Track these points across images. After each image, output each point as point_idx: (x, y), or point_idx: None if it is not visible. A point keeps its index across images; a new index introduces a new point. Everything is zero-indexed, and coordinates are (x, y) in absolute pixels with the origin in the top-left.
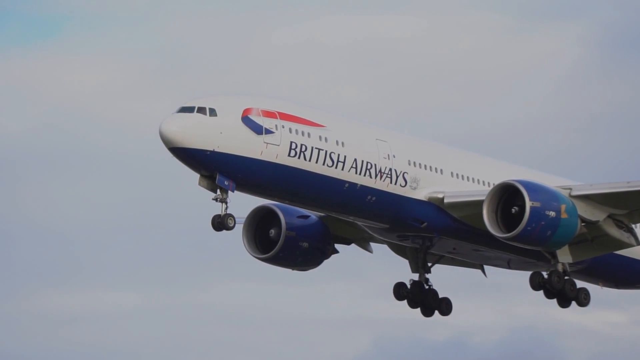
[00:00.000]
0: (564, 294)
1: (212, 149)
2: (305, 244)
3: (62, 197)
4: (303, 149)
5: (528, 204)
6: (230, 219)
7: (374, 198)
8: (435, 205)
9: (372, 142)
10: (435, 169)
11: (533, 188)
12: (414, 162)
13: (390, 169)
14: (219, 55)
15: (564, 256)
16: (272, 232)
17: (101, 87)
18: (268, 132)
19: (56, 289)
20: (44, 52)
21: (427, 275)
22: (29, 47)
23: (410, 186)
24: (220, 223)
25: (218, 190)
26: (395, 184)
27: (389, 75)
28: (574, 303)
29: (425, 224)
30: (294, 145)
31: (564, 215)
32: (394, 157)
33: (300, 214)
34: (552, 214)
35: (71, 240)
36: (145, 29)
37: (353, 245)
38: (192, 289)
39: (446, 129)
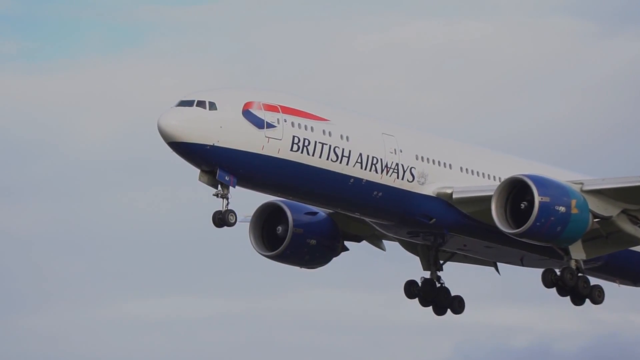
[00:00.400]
0: (577, 291)
1: (212, 144)
2: (313, 241)
3: (143, 204)
4: (306, 143)
5: (537, 199)
6: (232, 215)
7: (380, 194)
8: (444, 201)
9: (378, 137)
10: (444, 163)
11: (542, 182)
12: (422, 157)
13: (397, 164)
14: (301, 61)
15: (577, 253)
16: (280, 229)
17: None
18: (270, 126)
19: (137, 294)
20: (127, 59)
21: (439, 273)
22: (113, 55)
23: (418, 181)
24: (221, 219)
25: (219, 186)
26: (403, 179)
27: (471, 79)
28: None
29: (433, 220)
30: (296, 140)
31: (574, 211)
32: (401, 151)
33: (308, 211)
34: (562, 209)
35: (152, 246)
36: (227, 36)
37: (364, 242)
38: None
39: (523, 132)
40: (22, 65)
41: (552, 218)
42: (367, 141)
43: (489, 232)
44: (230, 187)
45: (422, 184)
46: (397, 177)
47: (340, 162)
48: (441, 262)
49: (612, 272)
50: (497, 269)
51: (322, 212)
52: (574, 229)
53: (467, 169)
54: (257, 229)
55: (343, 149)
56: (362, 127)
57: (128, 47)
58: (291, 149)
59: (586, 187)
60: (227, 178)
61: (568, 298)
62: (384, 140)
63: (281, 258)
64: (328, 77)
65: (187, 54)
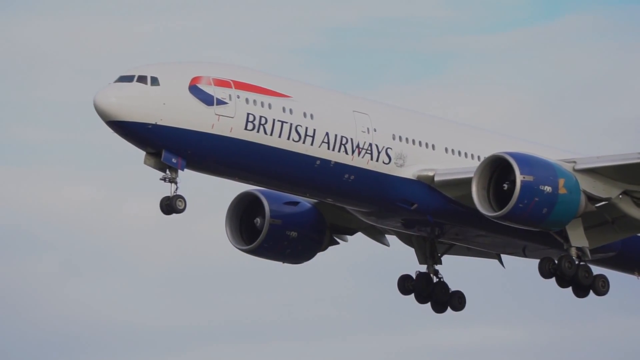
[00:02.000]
0: (578, 281)
1: (154, 122)
2: (294, 234)
3: None
4: (263, 121)
5: (519, 177)
6: (180, 201)
7: (352, 177)
8: (425, 185)
9: (348, 115)
10: (426, 144)
11: (525, 160)
12: (400, 137)
13: (371, 144)
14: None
15: (578, 239)
16: (258, 221)
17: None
18: (220, 102)
19: None
20: (427, 89)
21: (437, 267)
22: (416, 84)
23: (395, 163)
24: (169, 206)
25: (167, 170)
26: (377, 160)
27: None
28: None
29: (415, 205)
30: (251, 118)
31: (562, 191)
32: (375, 131)
33: (289, 201)
34: (548, 189)
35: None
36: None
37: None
38: None
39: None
40: None
41: (537, 199)
42: (335, 119)
43: (478, 218)
44: (179, 171)
45: (401, 166)
46: (371, 159)
47: (304, 142)
48: (439, 254)
49: (628, 263)
50: (500, 262)
51: (305, 202)
52: (562, 211)
53: (452, 150)
54: (235, 221)
55: (307, 128)
56: (329, 104)
57: (428, 76)
58: (245, 128)
59: (579, 166)
60: (174, 160)
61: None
62: (355, 118)
63: (259, 252)
64: None
65: (485, 83)
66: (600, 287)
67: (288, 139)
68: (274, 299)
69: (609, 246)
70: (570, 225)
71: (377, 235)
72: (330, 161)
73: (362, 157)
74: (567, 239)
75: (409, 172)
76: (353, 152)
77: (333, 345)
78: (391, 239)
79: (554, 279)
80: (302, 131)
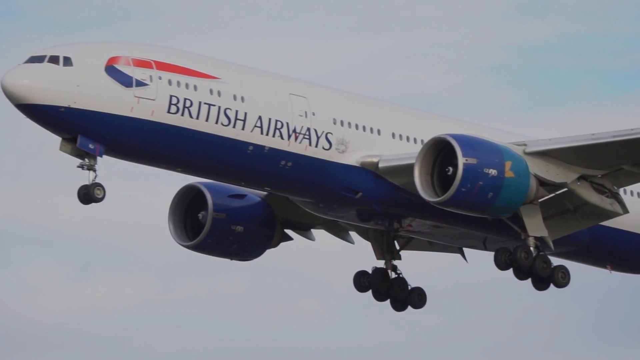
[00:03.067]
0: (536, 273)
1: (67, 105)
2: (240, 228)
3: None
4: (187, 104)
5: (461, 160)
6: (99, 189)
7: (289, 164)
8: (370, 172)
9: (284, 97)
10: (371, 128)
11: (468, 142)
12: (342, 121)
13: (309, 129)
14: None
15: (536, 229)
16: (201, 215)
17: None
18: (140, 84)
19: None
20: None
21: (395, 262)
22: (612, 100)
23: (336, 149)
24: (87, 194)
25: (85, 157)
26: (316, 146)
27: None
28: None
29: (360, 194)
30: (174, 100)
31: (508, 174)
32: (314, 114)
33: (235, 193)
34: (493, 172)
35: None
36: None
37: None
38: None
39: None
40: (518, 114)
41: (481, 183)
42: (269, 102)
43: (428, 206)
44: (98, 157)
45: (343, 152)
46: (310, 144)
47: (234, 127)
48: (397, 249)
49: (598, 256)
50: (463, 256)
51: (253, 195)
52: (509, 196)
53: (400, 135)
54: (179, 216)
55: (237, 111)
56: (262, 86)
57: (623, 93)
58: (168, 111)
59: (530, 149)
60: (91, 146)
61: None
62: (291, 101)
63: (203, 248)
64: None
65: None
66: (560, 278)
67: (216, 123)
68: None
69: (576, 238)
70: (527, 214)
71: (340, 231)
72: (264, 147)
73: (300, 142)
74: (524, 228)
75: (351, 158)
76: (289, 137)
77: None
78: (355, 236)
79: (511, 270)
80: (231, 115)
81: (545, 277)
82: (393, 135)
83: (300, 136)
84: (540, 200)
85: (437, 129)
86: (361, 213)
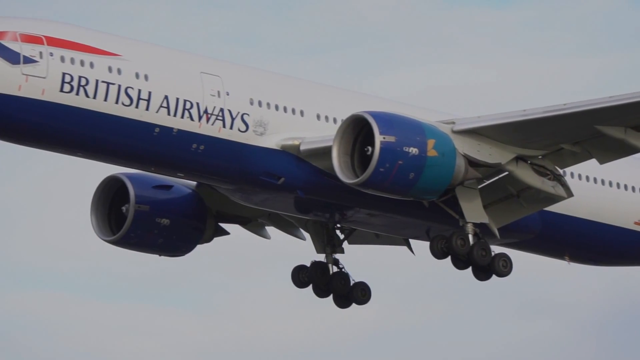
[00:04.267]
0: (475, 261)
1: None
2: (165, 221)
3: None
4: (83, 82)
5: (378, 138)
6: None
7: (202, 147)
8: (292, 155)
9: (194, 76)
10: (293, 109)
11: (386, 119)
12: (260, 102)
13: (222, 110)
14: None
15: (474, 214)
16: (125, 208)
17: None
18: (29, 61)
19: None
20: None
21: (337, 256)
22: None
23: (254, 131)
24: None
25: None
26: (231, 128)
27: None
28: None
29: (282, 179)
30: (68, 78)
31: (431, 153)
32: (228, 94)
33: (160, 184)
34: (414, 151)
35: None
36: None
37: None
38: None
39: None
40: None
41: (400, 162)
42: (177, 81)
43: (355, 191)
44: None
45: (261, 134)
46: (224, 126)
47: (137, 107)
48: (339, 242)
49: (553, 246)
50: (410, 248)
51: (182, 186)
52: (433, 177)
53: (327, 116)
54: (102, 209)
55: (139, 91)
56: (170, 64)
57: None
58: (61, 90)
59: (458, 127)
60: None
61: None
62: (202, 80)
63: (126, 243)
64: None
65: None
66: (502, 267)
67: (116, 103)
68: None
69: (527, 227)
70: (464, 198)
71: (286, 226)
72: (172, 129)
73: (212, 124)
74: (462, 214)
75: (271, 141)
76: (200, 118)
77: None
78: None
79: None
80: (133, 94)
81: (485, 266)
82: (318, 116)
83: (213, 117)
84: (481, 185)
85: (364, 109)
86: (297, 203)
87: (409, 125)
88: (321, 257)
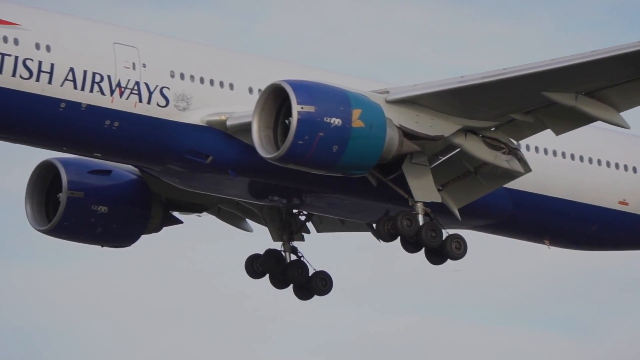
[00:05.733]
0: (423, 243)
1: None
2: (103, 209)
3: None
4: None
5: (295, 108)
6: None
7: (116, 123)
8: (220, 132)
9: (105, 47)
10: (221, 82)
11: (306, 88)
12: (183, 74)
13: (138, 83)
14: None
15: (424, 193)
16: (60, 195)
17: None
18: None
19: None
20: None
21: (296, 244)
22: None
23: (175, 106)
24: None
25: None
26: (149, 103)
27: None
28: None
29: (210, 158)
30: None
31: (357, 124)
32: (145, 67)
33: (97, 168)
34: (336, 121)
35: None
36: None
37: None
38: None
39: None
40: None
41: (321, 134)
42: (85, 52)
43: (289, 170)
44: None
45: (184, 109)
46: (140, 101)
47: (38, 80)
48: (298, 228)
49: (527, 229)
50: (374, 234)
51: (124, 171)
52: (359, 150)
53: (260, 89)
54: (37, 197)
55: (40, 62)
56: (77, 34)
57: None
58: None
59: (392, 97)
60: None
61: None
62: (114, 51)
63: (61, 233)
64: None
65: None
66: (454, 249)
67: (13, 76)
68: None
69: (497, 209)
70: (411, 176)
71: (232, 218)
72: (80, 104)
73: (127, 98)
74: (410, 193)
75: (195, 116)
76: (112, 92)
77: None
78: None
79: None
80: (33, 66)
81: (438, 249)
82: (250, 90)
83: (127, 91)
84: (436, 163)
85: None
86: (243, 186)
87: (332, 95)
88: (278, 246)
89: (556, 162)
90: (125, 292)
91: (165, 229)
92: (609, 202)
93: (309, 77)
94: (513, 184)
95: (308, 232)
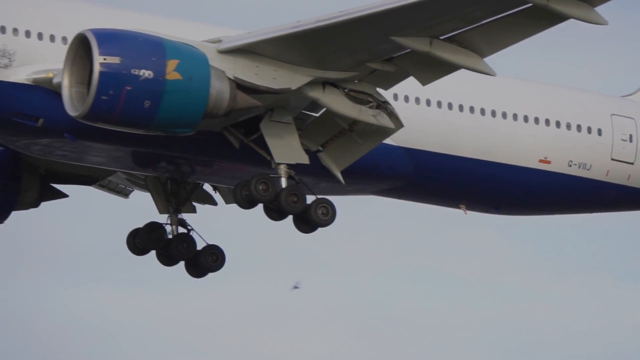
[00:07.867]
0: (284, 209)
1: None
2: None
3: None
4: None
5: (97, 59)
6: None
7: None
8: (49, 91)
9: None
10: (52, 36)
11: (112, 37)
12: (4, 27)
13: None
14: None
15: (286, 153)
16: None
17: None
18: None
19: None
20: None
21: (185, 216)
22: None
23: None
24: None
25: None
26: None
27: None
28: None
29: (41, 120)
30: None
31: (172, 76)
32: None
33: None
34: (147, 74)
35: None
36: None
37: None
38: None
39: None
40: None
41: (128, 87)
42: None
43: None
44: None
45: (6, 66)
46: None
47: None
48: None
49: (436, 194)
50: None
51: None
52: (177, 105)
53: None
54: None
55: None
56: None
57: None
58: None
59: (223, 46)
60: None
61: None
62: None
63: None
64: None
65: None
66: (321, 215)
67: None
68: None
69: (396, 171)
70: (270, 135)
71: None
72: None
73: None
74: (271, 155)
75: (20, 74)
76: None
77: None
78: None
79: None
80: None
81: (303, 215)
82: (64, 39)
83: None
84: (309, 121)
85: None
86: (109, 155)
87: (142, 44)
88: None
89: (462, 119)
90: None
91: (47, 204)
92: (528, 160)
93: (138, 26)
94: (412, 143)
95: (215, 203)
